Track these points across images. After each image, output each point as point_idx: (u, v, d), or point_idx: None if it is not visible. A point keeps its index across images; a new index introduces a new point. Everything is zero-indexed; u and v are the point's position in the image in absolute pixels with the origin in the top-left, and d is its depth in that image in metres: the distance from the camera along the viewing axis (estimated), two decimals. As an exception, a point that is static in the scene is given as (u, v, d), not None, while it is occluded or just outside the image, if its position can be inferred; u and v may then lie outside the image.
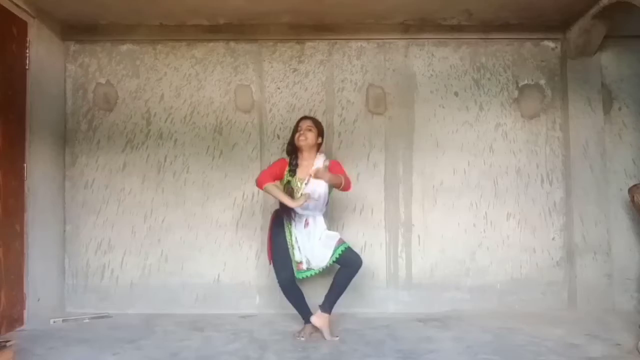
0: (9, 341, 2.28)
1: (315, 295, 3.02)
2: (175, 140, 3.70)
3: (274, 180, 2.90)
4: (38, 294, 3.30)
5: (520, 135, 3.72)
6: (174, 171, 3.69)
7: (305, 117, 3.08)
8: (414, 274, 3.64)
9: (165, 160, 3.69)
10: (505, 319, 3.28)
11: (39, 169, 3.36)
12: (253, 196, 3.67)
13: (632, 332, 2.90)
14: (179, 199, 3.67)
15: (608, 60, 3.74)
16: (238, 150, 3.69)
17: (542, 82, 3.75)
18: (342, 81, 3.73)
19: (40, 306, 3.32)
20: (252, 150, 3.68)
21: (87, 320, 3.35)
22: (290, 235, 2.91)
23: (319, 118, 3.66)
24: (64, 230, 3.65)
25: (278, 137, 3.68)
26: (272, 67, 3.74)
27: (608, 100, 3.73)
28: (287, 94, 3.72)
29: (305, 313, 2.96)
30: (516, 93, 3.74)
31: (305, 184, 2.86)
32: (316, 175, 2.78)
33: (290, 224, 2.91)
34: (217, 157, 3.69)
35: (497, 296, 3.62)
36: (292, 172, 2.91)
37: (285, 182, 2.91)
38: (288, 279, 2.89)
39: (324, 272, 2.95)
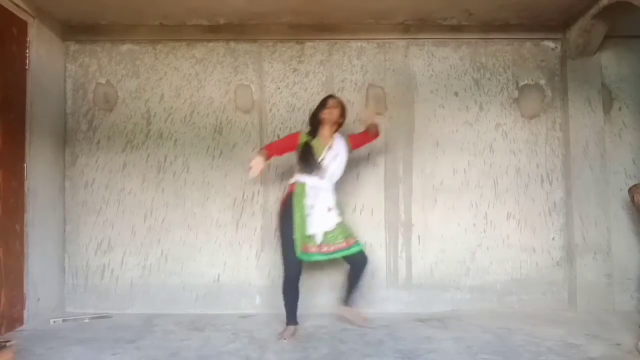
0: (9, 341, 2.28)
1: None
2: (175, 140, 3.70)
3: (280, 153, 3.11)
4: (38, 294, 3.30)
5: (520, 135, 3.72)
6: (174, 171, 3.69)
7: (332, 96, 3.21)
8: (414, 274, 3.64)
9: (165, 160, 3.69)
10: (505, 319, 3.28)
11: (39, 169, 3.35)
12: (253, 196, 3.67)
13: (632, 332, 2.90)
14: (179, 199, 3.67)
15: (608, 60, 3.74)
16: (238, 150, 3.69)
17: (542, 82, 3.75)
18: (342, 81, 3.73)
19: (40, 306, 3.32)
20: (252, 150, 3.67)
21: (87, 320, 3.36)
22: (303, 209, 2.93)
23: (319, 118, 3.70)
24: (64, 230, 3.65)
25: (278, 136, 3.68)
26: (272, 67, 3.74)
27: (608, 100, 3.73)
28: (287, 94, 3.72)
29: (293, 315, 2.97)
30: (516, 93, 3.74)
31: (329, 148, 3.04)
32: (365, 114, 3.31)
33: (305, 194, 2.96)
34: (217, 157, 3.69)
35: (497, 296, 3.62)
36: (313, 136, 3.07)
37: (302, 142, 3.05)
38: (297, 275, 2.94)
39: (329, 260, 3.06)
